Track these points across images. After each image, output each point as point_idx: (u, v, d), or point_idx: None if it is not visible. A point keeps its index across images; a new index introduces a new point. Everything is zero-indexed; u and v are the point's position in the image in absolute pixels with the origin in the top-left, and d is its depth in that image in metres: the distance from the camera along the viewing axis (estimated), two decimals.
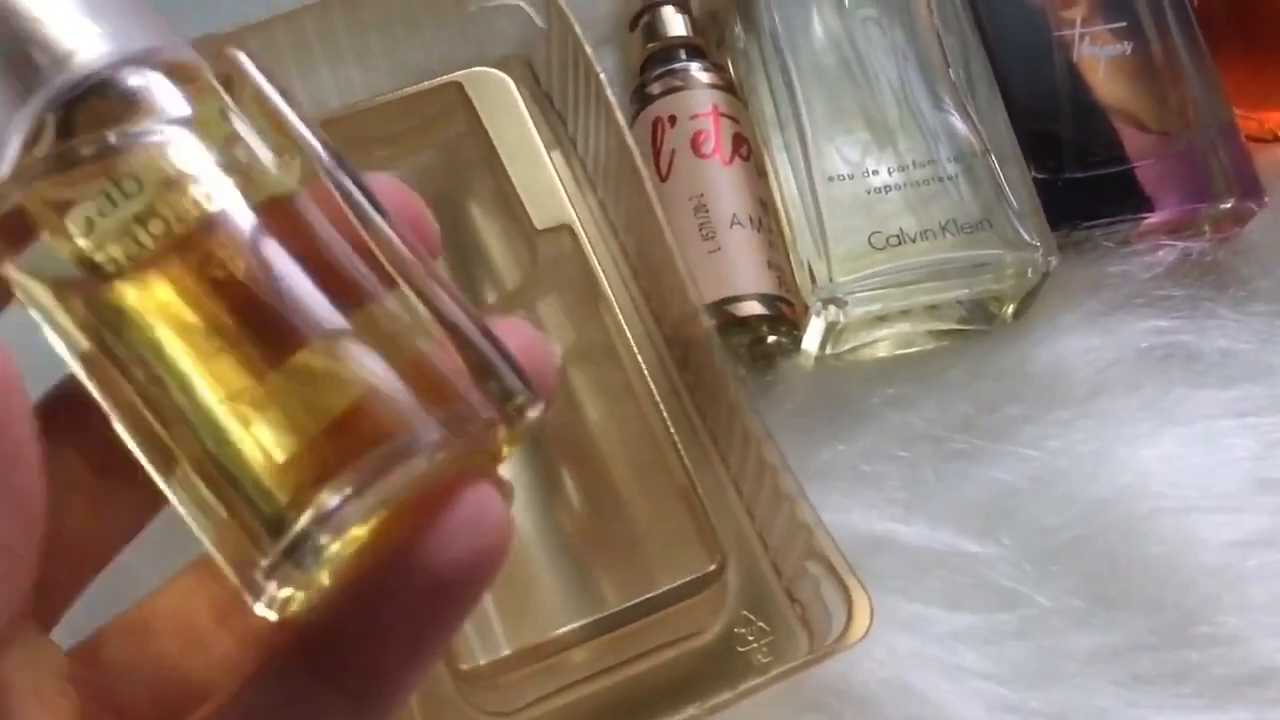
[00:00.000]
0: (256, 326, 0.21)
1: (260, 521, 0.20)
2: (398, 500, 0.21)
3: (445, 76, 0.41)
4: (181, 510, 0.21)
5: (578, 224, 0.40)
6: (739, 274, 0.41)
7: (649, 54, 0.45)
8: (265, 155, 0.22)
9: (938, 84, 0.42)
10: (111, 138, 0.21)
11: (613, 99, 0.40)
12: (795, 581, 0.37)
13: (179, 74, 0.22)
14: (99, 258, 0.21)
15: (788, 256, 0.42)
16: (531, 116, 0.41)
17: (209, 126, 0.22)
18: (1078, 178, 0.43)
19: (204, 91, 0.22)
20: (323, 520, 0.20)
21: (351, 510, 0.20)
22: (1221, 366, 0.42)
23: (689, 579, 0.36)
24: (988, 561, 0.39)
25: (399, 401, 0.21)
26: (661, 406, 0.38)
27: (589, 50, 0.40)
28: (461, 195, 0.42)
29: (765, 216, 0.42)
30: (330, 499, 0.20)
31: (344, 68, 0.42)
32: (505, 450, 0.22)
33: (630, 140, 0.39)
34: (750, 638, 0.37)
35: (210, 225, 0.21)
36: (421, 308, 0.22)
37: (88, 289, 0.21)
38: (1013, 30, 0.44)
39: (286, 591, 0.20)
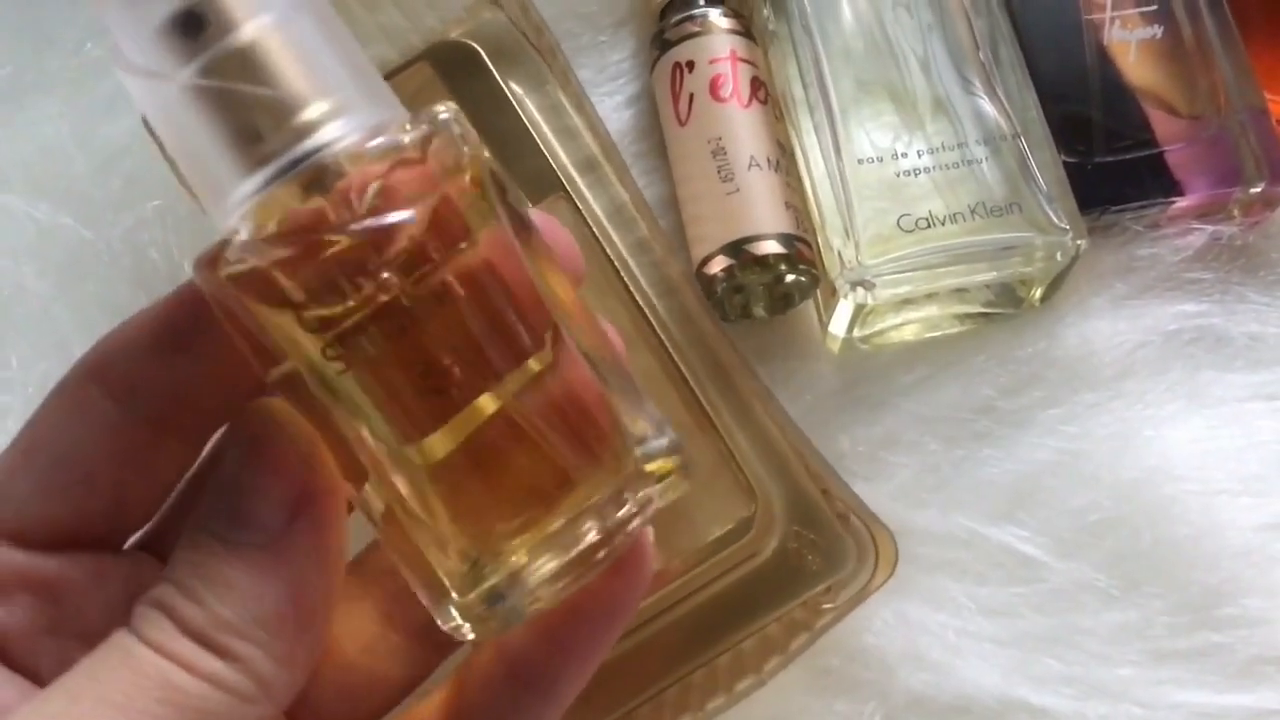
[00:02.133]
0: (443, 377, 0.22)
1: (455, 568, 0.22)
2: (586, 565, 0.23)
3: (412, 56, 0.42)
4: (376, 530, 0.23)
5: (573, 182, 0.41)
6: (757, 214, 0.41)
7: (668, 1, 0.45)
8: (462, 217, 0.23)
9: (967, 67, 0.42)
10: (344, 221, 0.21)
11: (568, 63, 0.41)
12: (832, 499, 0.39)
13: (401, 148, 0.22)
14: (322, 313, 0.22)
15: (804, 197, 0.42)
16: (512, 61, 0.42)
17: (426, 203, 0.22)
18: (1107, 161, 0.43)
19: (417, 159, 0.22)
20: (517, 581, 0.22)
21: (541, 575, 0.22)
22: (1250, 350, 0.42)
23: (728, 528, 0.37)
24: (1011, 542, 0.39)
25: (584, 459, 0.23)
26: (672, 352, 0.39)
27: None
28: None
29: (783, 158, 0.42)
30: (522, 560, 0.22)
31: None
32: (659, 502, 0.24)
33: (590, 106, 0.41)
34: (803, 550, 0.38)
35: (415, 286, 0.22)
36: (587, 356, 0.23)
37: (301, 332, 0.22)
38: (1043, 13, 0.44)
39: (476, 629, 0.23)
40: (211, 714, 0.21)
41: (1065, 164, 0.42)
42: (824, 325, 0.43)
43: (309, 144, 0.22)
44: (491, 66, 0.42)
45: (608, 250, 0.40)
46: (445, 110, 0.23)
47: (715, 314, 0.40)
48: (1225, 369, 0.41)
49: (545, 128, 0.42)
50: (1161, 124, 0.43)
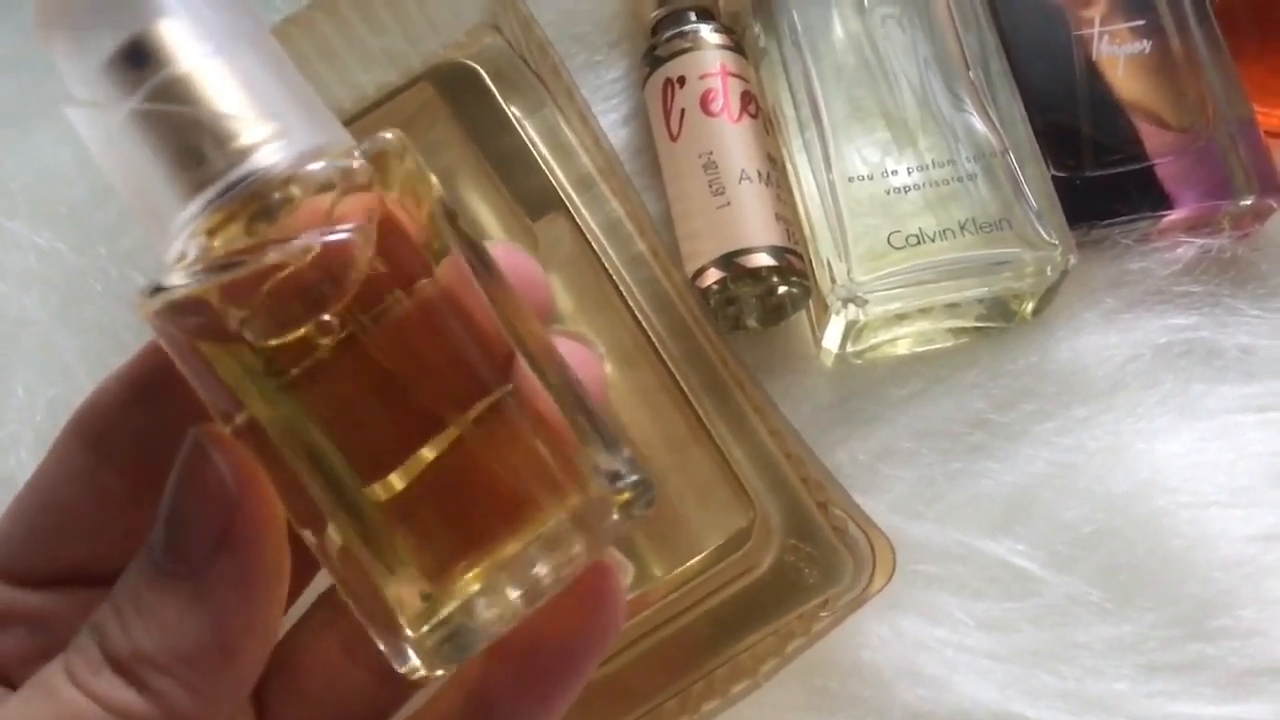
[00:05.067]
0: (403, 412, 0.22)
1: (411, 604, 0.22)
2: (539, 594, 0.23)
3: (414, 76, 0.42)
4: (330, 573, 0.23)
5: (571, 199, 0.41)
6: (748, 227, 0.41)
7: (659, 17, 0.45)
8: (413, 246, 0.23)
9: (957, 84, 0.42)
10: (284, 237, 0.22)
11: (572, 80, 0.42)
12: (830, 511, 0.39)
13: (346, 172, 0.22)
14: (261, 349, 0.22)
15: (795, 210, 0.43)
16: (511, 85, 0.42)
17: (369, 222, 0.22)
18: (1097, 176, 0.43)
19: (364, 185, 0.23)
20: (468, 610, 0.22)
21: (494, 603, 0.22)
22: (1241, 362, 0.42)
23: (726, 539, 0.38)
24: (1005, 555, 0.39)
25: (541, 489, 0.22)
26: (670, 365, 0.39)
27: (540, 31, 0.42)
28: (459, 192, 0.43)
29: (774, 171, 0.43)
30: (474, 589, 0.22)
31: (310, 67, 0.42)
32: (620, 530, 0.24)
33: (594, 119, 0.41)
34: (800, 564, 0.38)
35: (368, 320, 0.22)
36: (547, 386, 0.23)
37: (250, 370, 0.22)
38: (1032, 29, 0.45)
39: (428, 664, 0.23)
40: None
41: (1055, 179, 0.42)
42: (817, 340, 0.43)
43: (248, 167, 0.22)
44: (492, 87, 0.42)
45: (606, 265, 0.41)
46: (392, 137, 0.23)
47: (715, 326, 0.40)
48: (1216, 381, 0.41)
49: (543, 146, 0.42)
50: (1151, 137, 0.43)
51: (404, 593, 0.22)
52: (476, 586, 0.22)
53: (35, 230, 0.43)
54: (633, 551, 0.39)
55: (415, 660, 0.23)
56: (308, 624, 0.27)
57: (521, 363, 0.23)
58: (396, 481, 0.22)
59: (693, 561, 0.38)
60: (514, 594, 0.22)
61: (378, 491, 0.22)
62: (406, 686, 0.27)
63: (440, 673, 0.23)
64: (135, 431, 0.24)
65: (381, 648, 0.23)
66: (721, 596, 0.38)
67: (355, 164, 0.22)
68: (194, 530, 0.23)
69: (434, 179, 0.23)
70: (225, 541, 0.22)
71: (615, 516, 0.23)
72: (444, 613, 0.22)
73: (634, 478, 0.23)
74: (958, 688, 0.38)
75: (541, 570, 0.22)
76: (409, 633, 0.22)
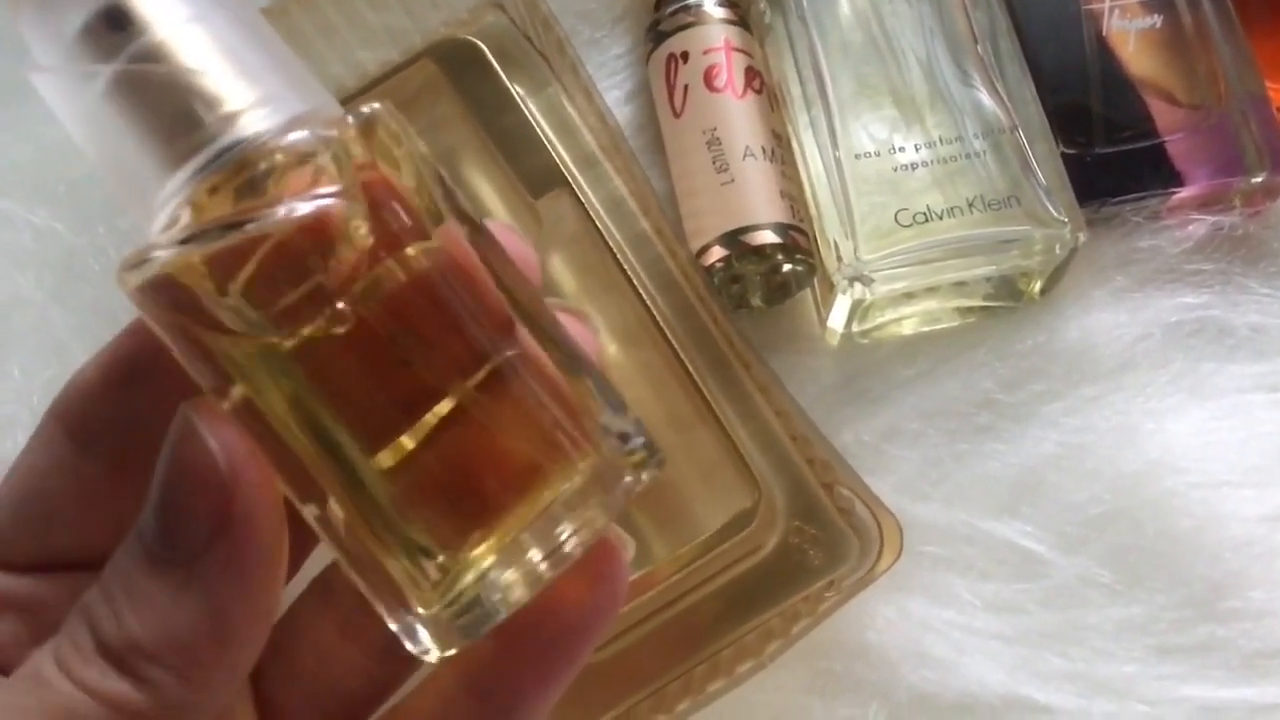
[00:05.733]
0: (403, 382, 0.22)
1: (421, 579, 0.22)
2: (561, 560, 0.22)
3: (416, 52, 0.42)
4: (334, 551, 0.23)
5: (575, 177, 0.41)
6: (752, 204, 0.41)
7: None
8: (409, 213, 0.22)
9: (965, 60, 0.42)
10: (270, 205, 0.21)
11: (577, 56, 0.42)
12: (836, 492, 0.39)
13: (333, 140, 0.22)
14: (256, 320, 0.21)
15: (800, 187, 0.42)
16: (515, 62, 0.42)
17: (356, 191, 0.22)
18: (1107, 153, 0.42)
19: (351, 154, 0.22)
20: (485, 583, 0.22)
21: (512, 573, 0.22)
22: (1252, 341, 0.41)
23: (730, 518, 0.38)
24: (1013, 536, 0.39)
25: (551, 453, 0.22)
26: (674, 345, 0.39)
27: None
28: (461, 170, 0.43)
29: (778, 147, 0.42)
30: (490, 560, 0.22)
31: (310, 44, 0.42)
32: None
33: (600, 98, 0.41)
34: (805, 545, 0.38)
35: (365, 288, 0.21)
36: (551, 350, 0.23)
37: (244, 342, 0.22)
38: (1041, 4, 0.44)
39: (441, 641, 0.22)
40: None
41: (1065, 156, 0.41)
42: (823, 320, 0.42)
43: (234, 135, 0.21)
44: (495, 63, 0.42)
45: (610, 243, 0.40)
46: (380, 106, 0.22)
47: (720, 305, 0.40)
48: (1227, 360, 0.41)
49: (546, 124, 0.42)
50: (1162, 114, 0.43)
51: (413, 568, 0.22)
52: (492, 558, 0.22)
53: (31, 209, 0.43)
54: (637, 533, 0.39)
55: (427, 639, 0.22)
56: (303, 606, 0.27)
57: (523, 329, 0.23)
58: (406, 444, 0.22)
59: (697, 542, 0.38)
60: (536, 561, 0.22)
61: (384, 460, 0.22)
62: (404, 666, 0.27)
63: (453, 651, 0.22)
64: (115, 417, 0.24)
65: (392, 626, 0.22)
66: (726, 578, 0.38)
67: (344, 132, 0.22)
68: (188, 516, 0.22)
69: (424, 148, 0.23)
70: (220, 527, 0.22)
71: (628, 478, 0.22)
72: (460, 586, 0.22)
73: (641, 439, 0.23)
74: (965, 670, 0.37)
75: (563, 535, 0.22)
76: (420, 610, 0.22)
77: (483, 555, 0.22)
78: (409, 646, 0.22)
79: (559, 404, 0.23)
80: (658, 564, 0.38)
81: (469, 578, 0.22)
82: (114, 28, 0.21)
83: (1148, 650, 0.38)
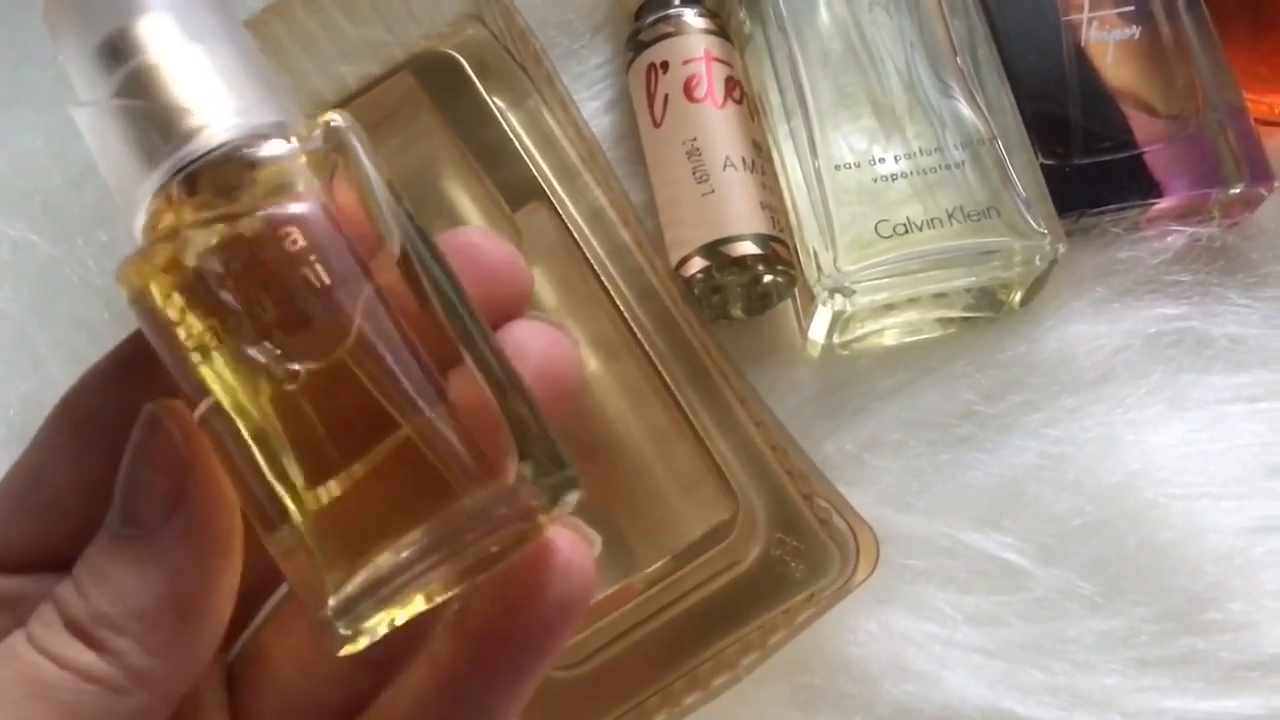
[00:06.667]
0: (348, 420, 0.22)
1: (324, 579, 0.22)
2: (451, 575, 0.23)
3: (395, 65, 0.42)
4: (278, 560, 0.23)
5: (554, 189, 0.41)
6: (733, 215, 0.41)
7: (643, 2, 0.45)
8: (369, 228, 0.23)
9: (945, 70, 0.42)
10: (234, 208, 0.22)
11: (553, 68, 0.42)
12: (814, 503, 0.39)
13: (302, 151, 0.23)
14: (207, 324, 0.22)
15: (780, 198, 0.42)
16: (494, 75, 0.42)
17: (324, 202, 0.23)
18: (1086, 163, 0.42)
19: (318, 166, 0.23)
20: (372, 588, 0.22)
21: (400, 582, 0.22)
22: (1231, 352, 0.42)
23: (709, 530, 0.38)
24: (993, 548, 0.39)
25: (453, 476, 0.22)
26: (653, 357, 0.39)
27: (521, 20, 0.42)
28: (440, 182, 0.43)
29: (758, 158, 0.42)
30: (378, 568, 0.22)
31: (289, 57, 0.42)
32: (544, 525, 0.24)
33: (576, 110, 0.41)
34: (786, 557, 0.38)
35: (320, 301, 0.22)
36: (480, 378, 0.23)
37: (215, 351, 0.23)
38: (1020, 15, 0.44)
39: (347, 635, 0.23)
40: (83, 705, 0.22)
41: (1044, 166, 0.41)
42: (804, 331, 0.42)
43: (206, 141, 0.23)
44: (474, 76, 0.42)
45: (588, 255, 0.40)
46: (342, 119, 0.24)
47: (699, 317, 0.40)
48: (1206, 371, 0.41)
49: (526, 136, 0.42)
50: (1140, 125, 0.43)
51: (333, 575, 0.23)
52: (385, 563, 0.22)
53: (8, 221, 0.43)
54: (617, 544, 0.38)
55: (337, 630, 0.23)
56: (278, 615, 0.27)
57: (463, 353, 0.23)
58: (334, 489, 0.22)
59: (676, 555, 0.38)
60: (415, 576, 0.22)
61: (318, 497, 0.22)
62: (382, 675, 0.27)
63: (359, 646, 0.23)
64: (117, 415, 0.25)
65: (314, 626, 0.23)
66: (706, 591, 0.38)
67: (312, 145, 0.23)
68: (146, 495, 0.23)
69: (381, 163, 0.24)
70: (178, 503, 0.23)
71: (535, 504, 0.23)
72: (349, 590, 0.22)
73: (563, 472, 0.23)
74: (946, 683, 0.37)
75: (466, 550, 0.22)
76: (321, 613, 0.23)
77: (372, 563, 0.22)
78: (324, 642, 0.23)
79: (484, 430, 0.23)
80: (637, 577, 0.37)
81: (357, 583, 0.22)
82: (114, 57, 0.23)
83: (1128, 663, 0.38)
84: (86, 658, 0.23)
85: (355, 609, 0.22)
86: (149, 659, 0.23)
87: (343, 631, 0.22)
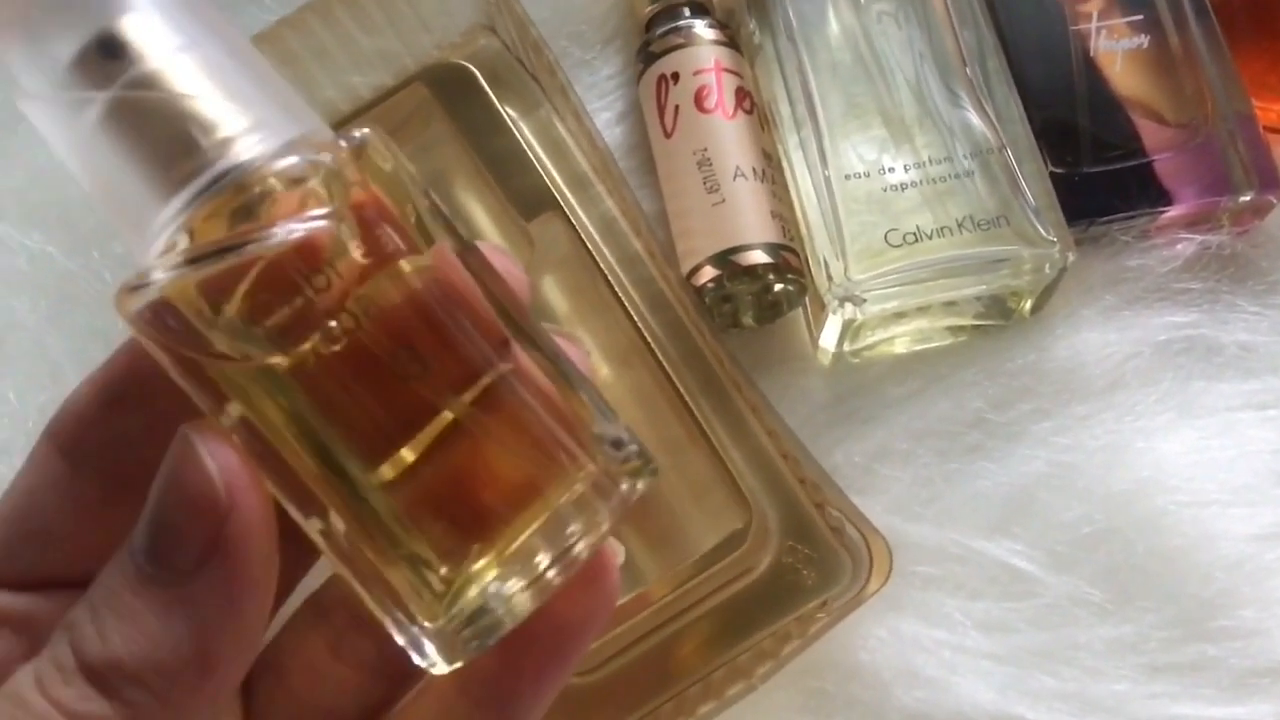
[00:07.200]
0: (401, 397, 0.22)
1: (426, 593, 0.22)
2: (571, 567, 0.23)
3: (408, 76, 0.42)
4: (338, 566, 0.23)
5: (566, 199, 0.41)
6: (743, 224, 0.41)
7: (654, 13, 0.45)
8: (400, 233, 0.23)
9: (954, 80, 0.42)
10: (264, 228, 0.22)
11: (567, 79, 0.42)
12: (826, 512, 0.39)
13: (324, 164, 0.22)
14: (251, 342, 0.22)
15: (791, 207, 0.42)
16: (506, 85, 0.42)
17: (347, 212, 0.22)
18: (1095, 172, 0.43)
19: (343, 178, 0.23)
20: (487, 595, 0.22)
21: (516, 585, 0.22)
22: (1241, 359, 0.42)
23: (722, 538, 0.38)
24: (1003, 555, 0.39)
25: (548, 465, 0.22)
26: (666, 366, 0.39)
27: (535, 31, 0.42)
28: (453, 192, 0.43)
29: (769, 168, 0.42)
30: (493, 574, 0.22)
31: (303, 68, 0.42)
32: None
33: (590, 121, 0.41)
34: (799, 566, 0.38)
35: (358, 306, 0.22)
36: (544, 369, 0.23)
37: (240, 363, 0.22)
38: (1029, 25, 0.44)
39: (448, 654, 0.22)
40: None
41: (1053, 175, 0.42)
42: (814, 339, 0.43)
43: (228, 162, 0.21)
44: (486, 87, 0.42)
45: (601, 265, 0.41)
46: (369, 130, 0.23)
47: (711, 326, 0.40)
48: (1216, 379, 0.41)
49: (538, 147, 0.42)
50: (1149, 133, 0.43)
51: (417, 581, 0.22)
52: (494, 570, 0.22)
53: (25, 233, 0.43)
54: (630, 554, 0.39)
55: (433, 652, 0.22)
56: (294, 625, 0.27)
57: (516, 344, 0.23)
58: (406, 457, 0.22)
59: (690, 563, 0.38)
60: (540, 570, 0.22)
61: (385, 474, 0.22)
62: (395, 685, 0.27)
63: (459, 664, 0.23)
64: (108, 437, 0.24)
65: (399, 640, 0.22)
66: (719, 599, 0.38)
67: (335, 156, 0.22)
68: (180, 536, 0.22)
69: (414, 170, 0.23)
70: (212, 550, 0.22)
71: (624, 486, 0.23)
72: (464, 598, 0.22)
73: (635, 447, 0.23)
74: (956, 689, 0.38)
75: (566, 543, 0.22)
76: (426, 623, 0.22)
77: (485, 568, 0.22)
78: (416, 659, 0.22)
79: (554, 416, 0.23)
80: (650, 585, 0.38)
81: (473, 590, 0.22)
82: (108, 56, 0.22)
83: (1138, 669, 0.38)
84: (97, 707, 0.21)
85: (479, 613, 0.22)
86: (164, 713, 0.22)
87: (460, 642, 0.22)
